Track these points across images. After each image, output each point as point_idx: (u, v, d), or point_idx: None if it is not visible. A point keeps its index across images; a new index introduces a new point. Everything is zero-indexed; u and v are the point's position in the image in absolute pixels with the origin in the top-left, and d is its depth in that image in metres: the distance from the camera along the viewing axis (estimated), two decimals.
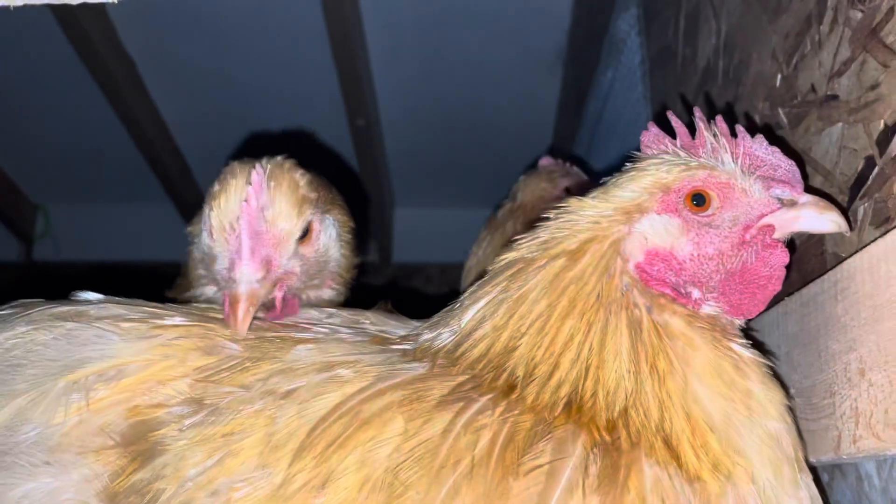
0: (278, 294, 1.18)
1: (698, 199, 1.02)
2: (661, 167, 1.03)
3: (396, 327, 1.16)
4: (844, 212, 1.04)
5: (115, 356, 0.97)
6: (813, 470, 1.03)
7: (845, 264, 1.01)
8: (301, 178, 1.25)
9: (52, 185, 4.43)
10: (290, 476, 0.86)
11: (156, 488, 0.87)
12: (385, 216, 4.54)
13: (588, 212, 1.04)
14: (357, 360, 0.98)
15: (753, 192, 1.02)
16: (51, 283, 4.64)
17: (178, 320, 1.05)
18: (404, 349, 1.05)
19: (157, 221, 4.54)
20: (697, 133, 1.08)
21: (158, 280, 4.78)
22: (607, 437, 0.89)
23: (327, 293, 1.40)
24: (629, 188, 1.03)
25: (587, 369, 0.95)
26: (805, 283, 1.14)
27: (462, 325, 1.04)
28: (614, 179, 1.07)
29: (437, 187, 4.59)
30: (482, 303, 1.05)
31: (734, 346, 1.00)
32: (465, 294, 1.10)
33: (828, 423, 1.03)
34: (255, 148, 1.53)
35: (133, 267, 4.60)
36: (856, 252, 0.99)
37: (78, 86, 3.52)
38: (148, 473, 0.89)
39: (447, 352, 1.02)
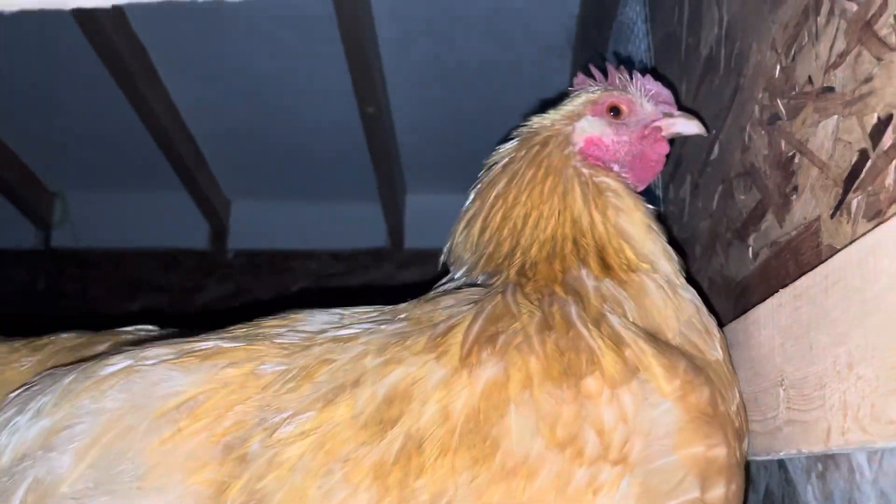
0: None
1: (615, 111, 1.51)
2: (590, 92, 1.54)
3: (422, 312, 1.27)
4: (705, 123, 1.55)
5: (185, 391, 1.07)
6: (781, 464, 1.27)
7: (836, 258, 1.01)
8: None
9: (69, 172, 4.49)
10: (389, 442, 1.00)
11: (263, 486, 0.99)
12: (397, 202, 4.56)
13: (546, 120, 1.53)
14: (401, 339, 1.13)
15: (647, 106, 1.52)
16: (69, 270, 4.70)
17: (223, 345, 1.14)
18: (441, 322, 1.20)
19: (173, 209, 4.58)
20: (611, 75, 1.58)
21: (174, 266, 4.84)
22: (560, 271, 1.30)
23: None
24: (572, 103, 1.54)
25: (560, 213, 1.39)
26: (801, 275, 1.15)
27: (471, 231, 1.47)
28: (565, 101, 1.57)
29: (449, 173, 4.57)
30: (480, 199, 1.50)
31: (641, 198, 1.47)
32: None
33: (818, 414, 1.03)
34: None
35: (149, 254, 4.66)
36: (847, 245, 0.99)
37: (91, 74, 3.56)
38: (252, 475, 0.99)
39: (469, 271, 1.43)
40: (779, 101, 1.33)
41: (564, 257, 1.32)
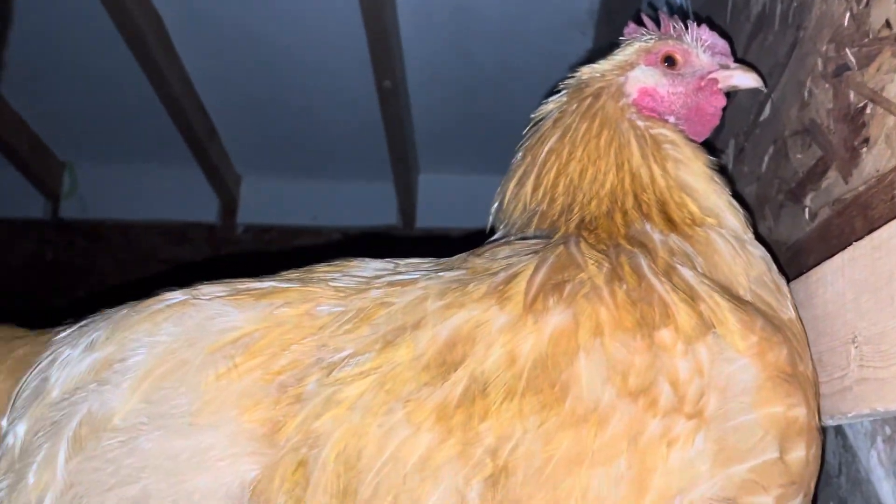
0: None
1: (669, 60, 1.43)
2: (644, 40, 1.46)
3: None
4: (763, 77, 1.46)
5: (240, 326, 1.04)
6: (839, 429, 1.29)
7: None
8: None
9: (79, 143, 4.42)
10: (453, 384, 0.97)
11: (319, 425, 0.96)
12: (410, 181, 4.50)
13: (596, 71, 1.45)
14: (460, 285, 1.08)
15: (703, 57, 1.44)
16: (78, 241, 4.65)
17: (278, 285, 1.11)
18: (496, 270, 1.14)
19: (183, 182, 4.52)
20: (664, 24, 1.50)
21: (184, 240, 4.79)
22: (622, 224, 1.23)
23: None
24: (624, 52, 1.46)
25: (618, 167, 1.32)
26: (872, 230, 1.09)
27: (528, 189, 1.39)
28: (616, 50, 1.48)
29: (463, 152, 4.53)
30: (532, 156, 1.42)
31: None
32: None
33: None
34: None
35: (159, 227, 4.60)
36: None
37: (106, 43, 3.49)
38: (308, 414, 0.97)
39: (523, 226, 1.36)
40: (848, 50, 1.27)
41: (626, 212, 1.26)
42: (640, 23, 1.54)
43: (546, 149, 1.40)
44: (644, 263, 1.10)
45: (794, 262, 1.48)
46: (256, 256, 4.56)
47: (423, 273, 1.15)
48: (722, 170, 1.39)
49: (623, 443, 0.95)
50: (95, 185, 4.56)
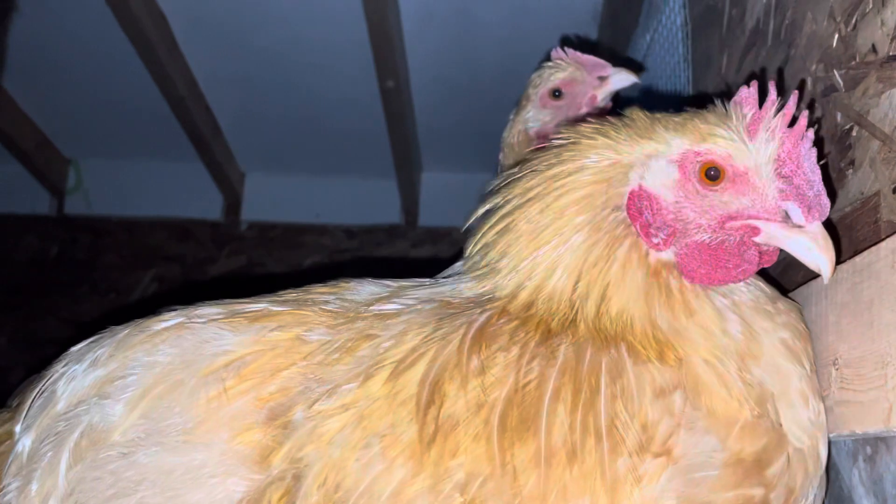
0: None
1: (713, 172, 1.07)
2: (705, 126, 1.08)
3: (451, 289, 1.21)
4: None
5: (233, 350, 1.07)
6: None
7: None
8: None
9: (84, 139, 4.46)
10: (425, 424, 0.98)
11: (303, 455, 0.99)
12: (412, 179, 4.52)
13: (618, 137, 1.11)
14: (440, 323, 1.09)
15: (768, 191, 1.06)
16: (82, 237, 4.68)
17: (272, 308, 1.14)
18: (471, 302, 1.15)
19: (187, 179, 4.55)
20: (764, 114, 1.07)
21: (188, 237, 4.81)
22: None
23: None
24: (671, 141, 1.09)
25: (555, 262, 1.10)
26: (856, 252, 1.10)
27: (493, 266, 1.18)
28: (669, 117, 1.12)
29: (465, 152, 4.54)
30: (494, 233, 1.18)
31: (672, 280, 1.10)
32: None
33: (878, 394, 1.00)
34: None
35: (163, 223, 4.63)
36: None
37: (111, 41, 3.52)
38: (294, 444, 1.00)
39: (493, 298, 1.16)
40: (835, 71, 1.28)
41: (561, 320, 1.08)
42: (781, 91, 1.13)
43: (500, 215, 1.18)
44: (549, 393, 1.00)
45: (782, 277, 1.49)
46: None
47: (408, 303, 1.16)
48: None
49: (590, 481, 0.96)
50: (100, 181, 4.60)
